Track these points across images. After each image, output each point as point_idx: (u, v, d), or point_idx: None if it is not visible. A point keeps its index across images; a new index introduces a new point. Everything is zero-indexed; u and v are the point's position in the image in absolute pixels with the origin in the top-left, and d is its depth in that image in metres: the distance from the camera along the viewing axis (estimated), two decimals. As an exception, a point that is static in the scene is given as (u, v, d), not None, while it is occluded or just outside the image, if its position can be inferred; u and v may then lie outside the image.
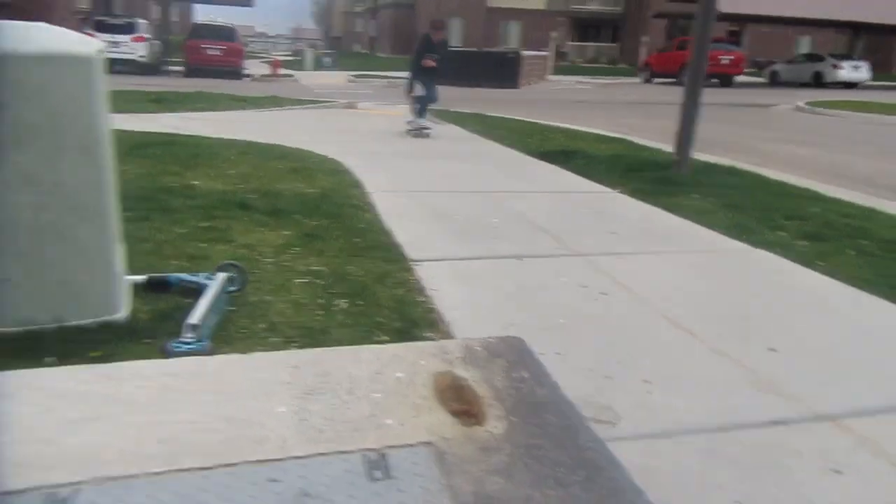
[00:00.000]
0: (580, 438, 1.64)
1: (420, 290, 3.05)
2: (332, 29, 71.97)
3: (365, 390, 1.76)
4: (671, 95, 13.06)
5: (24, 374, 1.85)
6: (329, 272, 3.19)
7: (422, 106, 8.42)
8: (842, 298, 3.29)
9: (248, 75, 22.21)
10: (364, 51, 52.41)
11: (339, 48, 47.78)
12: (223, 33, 22.32)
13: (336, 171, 5.84)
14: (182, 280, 2.79)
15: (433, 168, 6.39)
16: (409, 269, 3.31)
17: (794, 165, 7.96)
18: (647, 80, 27.78)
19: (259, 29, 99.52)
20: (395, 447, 1.49)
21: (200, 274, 2.82)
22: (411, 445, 1.50)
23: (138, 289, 2.73)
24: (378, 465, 1.42)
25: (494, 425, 1.65)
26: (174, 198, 4.41)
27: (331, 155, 6.51)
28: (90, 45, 2.34)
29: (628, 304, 3.08)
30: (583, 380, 2.28)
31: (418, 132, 8.29)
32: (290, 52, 48.95)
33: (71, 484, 1.39)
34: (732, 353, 2.60)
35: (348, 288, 3.00)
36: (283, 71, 24.76)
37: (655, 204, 5.08)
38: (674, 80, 24.28)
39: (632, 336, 2.72)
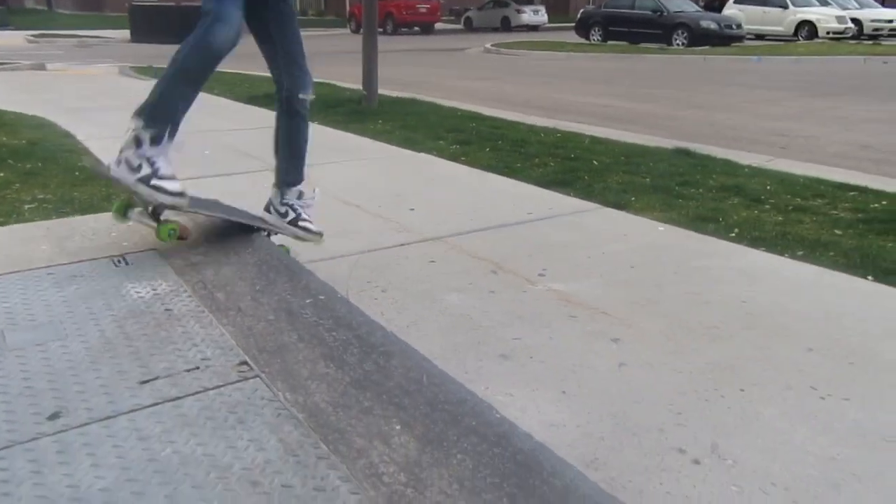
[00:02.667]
0: (261, 243, 2.57)
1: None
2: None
3: (105, 233, 2.51)
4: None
5: None
6: (56, 198, 3.68)
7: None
8: (469, 178, 4.58)
9: None
10: (40, 7, 46.37)
11: (7, 4, 41.75)
12: None
13: (42, 125, 5.97)
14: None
15: (144, 117, 6.74)
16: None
17: (470, 96, 9.53)
18: (355, 31, 28.98)
19: None
20: (131, 253, 2.31)
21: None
22: (142, 251, 2.31)
23: None
24: (120, 261, 2.21)
25: (195, 239, 2.54)
26: None
27: (30, 112, 6.54)
28: None
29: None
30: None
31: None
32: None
33: None
34: (385, 214, 3.68)
35: (78, 206, 3.54)
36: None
37: (346, 130, 6.11)
38: (381, 30, 25.71)
39: (315, 212, 3.68)
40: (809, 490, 1.66)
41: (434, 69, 14.03)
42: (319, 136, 5.99)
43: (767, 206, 4.12)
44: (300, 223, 2.79)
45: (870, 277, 3.00)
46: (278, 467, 1.31)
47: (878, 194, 4.42)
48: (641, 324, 2.51)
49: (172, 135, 2.28)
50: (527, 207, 3.96)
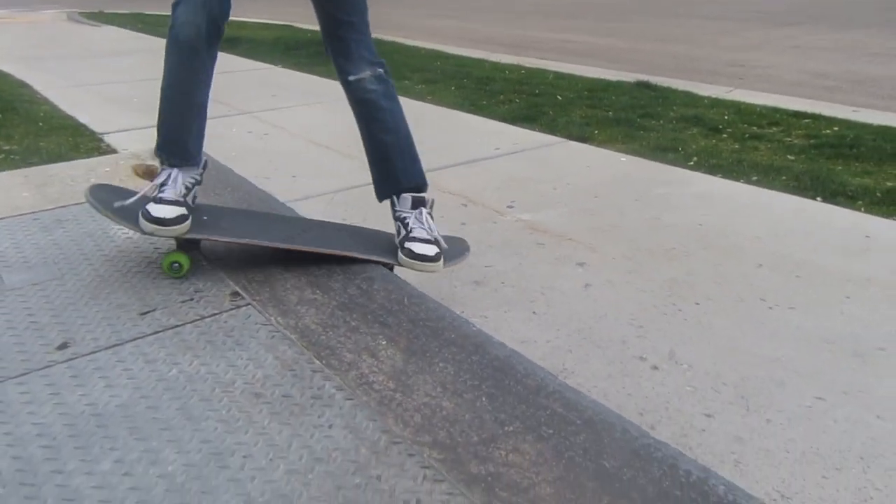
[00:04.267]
0: (239, 183, 2.62)
1: (113, 150, 3.71)
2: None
3: (84, 178, 2.55)
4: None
5: None
6: (22, 149, 3.67)
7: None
8: (436, 116, 4.64)
9: None
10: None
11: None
12: None
13: (-5, 75, 5.84)
14: None
15: (102, 65, 6.60)
16: (99, 139, 3.91)
17: (434, 35, 9.45)
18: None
19: None
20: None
21: None
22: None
23: None
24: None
25: None
26: None
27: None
28: None
29: (285, 138, 4.07)
30: (250, 179, 3.25)
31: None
32: None
33: None
34: (356, 154, 3.74)
35: (46, 156, 3.55)
36: None
37: (310, 73, 6.07)
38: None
39: (287, 155, 3.74)
40: (756, 387, 1.84)
41: (396, 9, 13.78)
42: (285, 79, 5.98)
43: (725, 135, 4.28)
44: (405, 244, 2.00)
45: (818, 199, 3.19)
46: (277, 381, 1.44)
47: (831, 121, 4.60)
48: (605, 248, 2.66)
49: (188, 154, 1.94)
50: (494, 143, 4.06)
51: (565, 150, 3.97)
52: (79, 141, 3.83)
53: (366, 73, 2.01)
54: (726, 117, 4.68)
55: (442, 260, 2.00)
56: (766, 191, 3.29)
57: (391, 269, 2.02)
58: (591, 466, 1.20)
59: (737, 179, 3.46)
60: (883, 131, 4.28)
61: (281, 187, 3.19)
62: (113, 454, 1.23)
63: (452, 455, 1.23)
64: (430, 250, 1.97)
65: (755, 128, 4.46)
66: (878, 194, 3.22)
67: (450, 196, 3.24)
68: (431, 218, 2.06)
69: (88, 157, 3.47)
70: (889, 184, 3.36)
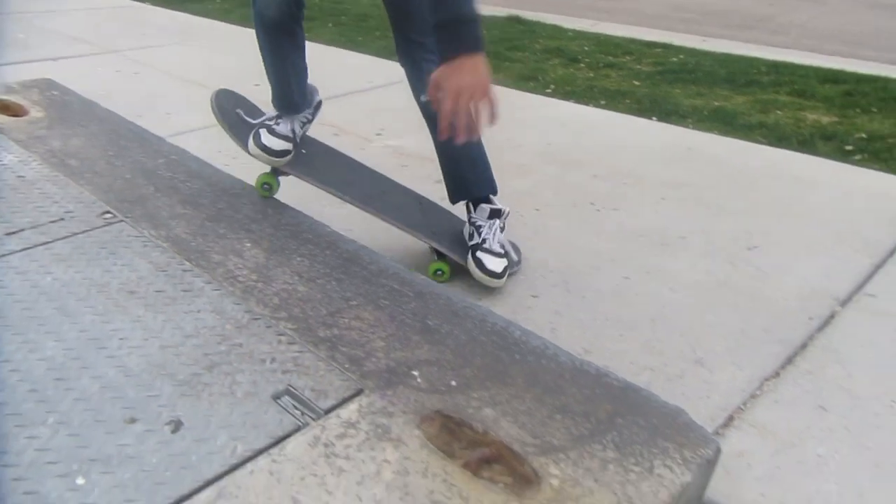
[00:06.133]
0: (107, 115, 2.71)
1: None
2: None
3: None
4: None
5: None
6: None
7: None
8: (313, 52, 4.72)
9: None
10: None
11: None
12: None
13: None
14: None
15: None
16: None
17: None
18: None
19: None
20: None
21: None
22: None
23: None
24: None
25: (35, 115, 2.64)
26: None
27: None
28: None
29: (156, 76, 4.08)
30: (119, 111, 3.29)
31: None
32: None
33: None
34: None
35: None
36: None
37: (183, 10, 5.95)
38: None
39: (160, 94, 3.77)
40: (576, 273, 2.18)
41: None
42: (154, 17, 5.83)
43: (582, 65, 4.62)
44: (477, 253, 2.05)
45: (654, 118, 3.58)
46: (151, 280, 1.62)
47: (679, 50, 5.03)
48: (463, 167, 2.93)
49: (295, 105, 2.22)
50: (367, 77, 4.23)
51: (435, 82, 4.19)
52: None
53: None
54: (586, 48, 5.02)
55: (506, 276, 2.09)
56: (611, 113, 3.65)
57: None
58: (418, 325, 1.48)
59: (587, 104, 3.80)
60: (722, 58, 4.74)
61: (154, 123, 3.25)
62: (-3, 345, 1.40)
63: (304, 325, 1.47)
64: (499, 266, 2.04)
65: (610, 57, 4.82)
66: (706, 113, 3.65)
67: (322, 126, 3.40)
68: (503, 230, 2.15)
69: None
70: (716, 104, 3.80)
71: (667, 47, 5.10)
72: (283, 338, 1.43)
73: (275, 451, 1.15)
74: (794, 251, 2.30)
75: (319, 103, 2.25)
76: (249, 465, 1.13)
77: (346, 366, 1.35)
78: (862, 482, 1.43)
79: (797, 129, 3.41)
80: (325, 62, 4.56)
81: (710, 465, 1.20)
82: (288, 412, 1.24)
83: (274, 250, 1.75)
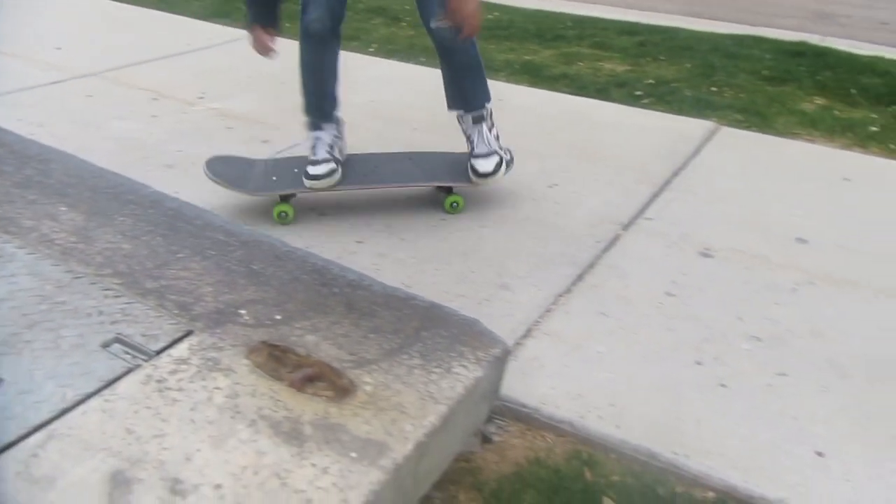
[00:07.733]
0: None
1: None
2: None
3: None
4: None
5: None
6: None
7: None
8: (124, 13, 4.51)
9: None
10: None
11: None
12: None
13: None
14: None
15: None
16: None
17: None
18: None
19: None
20: None
21: None
22: None
23: None
24: None
25: None
26: None
27: None
28: None
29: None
30: None
31: None
32: None
33: None
34: (27, 55, 3.60)
35: None
36: None
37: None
38: None
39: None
40: (398, 217, 2.35)
41: None
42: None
43: (404, 24, 4.77)
44: (471, 161, 2.37)
45: (470, 73, 3.80)
46: (-43, 252, 1.59)
47: (494, 7, 5.29)
48: (288, 126, 3.00)
49: (327, 114, 2.40)
50: (185, 40, 4.12)
51: (257, 43, 4.16)
52: None
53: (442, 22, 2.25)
54: (407, 7, 5.15)
55: (504, 168, 2.36)
56: (429, 69, 3.82)
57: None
58: (244, 270, 1.58)
59: (408, 62, 3.96)
60: (532, 14, 5.06)
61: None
62: None
63: (130, 279, 1.53)
64: (490, 165, 2.33)
65: (431, 16, 5.00)
66: (517, 66, 3.93)
67: (139, 91, 3.32)
68: (490, 129, 2.41)
69: None
70: (527, 58, 4.10)
71: (484, 4, 5.36)
72: (109, 292, 1.48)
73: (106, 391, 1.23)
74: (588, 186, 2.62)
75: (340, 120, 2.47)
76: (81, 408, 1.20)
77: (176, 312, 1.44)
78: (632, 369, 1.74)
79: (595, 79, 3.78)
80: (139, 25, 4.38)
81: (499, 361, 1.42)
82: (119, 357, 1.31)
83: (94, 213, 1.76)
